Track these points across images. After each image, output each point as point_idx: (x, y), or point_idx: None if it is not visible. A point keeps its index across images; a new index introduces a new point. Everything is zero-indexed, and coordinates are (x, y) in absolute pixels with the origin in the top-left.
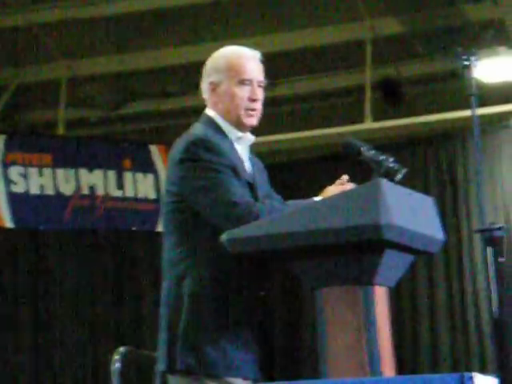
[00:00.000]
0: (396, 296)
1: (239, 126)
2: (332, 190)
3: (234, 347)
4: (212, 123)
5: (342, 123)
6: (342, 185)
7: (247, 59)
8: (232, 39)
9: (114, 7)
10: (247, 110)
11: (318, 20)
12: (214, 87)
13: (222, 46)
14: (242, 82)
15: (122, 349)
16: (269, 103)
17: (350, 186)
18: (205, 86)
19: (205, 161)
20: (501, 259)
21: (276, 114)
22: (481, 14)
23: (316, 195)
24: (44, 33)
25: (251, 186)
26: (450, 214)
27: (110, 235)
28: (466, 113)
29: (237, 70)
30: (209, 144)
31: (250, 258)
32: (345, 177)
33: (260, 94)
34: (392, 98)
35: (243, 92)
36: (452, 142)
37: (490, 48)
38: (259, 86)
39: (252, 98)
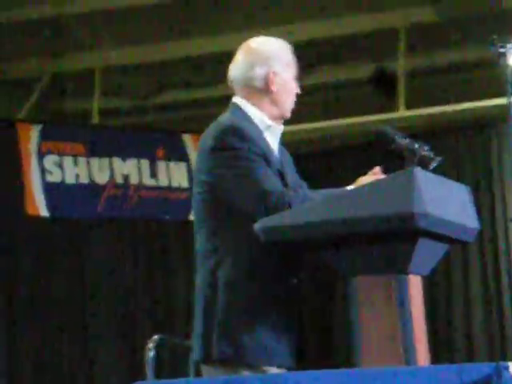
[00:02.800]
0: (430, 285)
1: (280, 117)
2: (365, 180)
3: (269, 336)
4: (242, 112)
5: (375, 112)
6: (375, 175)
7: (292, 53)
8: (260, 28)
9: None
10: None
11: (351, 8)
12: (274, 77)
13: (248, 36)
14: (294, 76)
15: (156, 337)
16: (301, 92)
17: (383, 176)
18: (259, 74)
19: (236, 149)
20: None
21: (308, 103)
22: None
23: (349, 185)
24: (77, 23)
25: (281, 175)
26: (484, 203)
27: (143, 224)
28: (502, 101)
29: (292, 64)
30: (240, 132)
31: (284, 247)
32: (377, 168)
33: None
34: (386, 90)
35: (296, 86)
36: (487, 131)
37: None
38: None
39: (297, 93)
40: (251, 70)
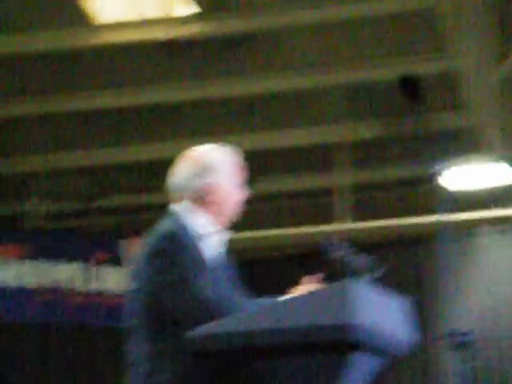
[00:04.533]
0: None
1: (224, 223)
2: (303, 289)
3: None
4: (179, 219)
5: (321, 222)
6: (313, 283)
7: (239, 160)
8: (202, 138)
9: (91, 103)
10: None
11: (300, 121)
12: (213, 189)
13: (192, 143)
14: (240, 185)
15: None
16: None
17: (317, 285)
18: (200, 184)
19: (173, 256)
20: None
21: (254, 212)
22: (454, 122)
23: (288, 292)
24: (22, 125)
25: (217, 284)
26: (423, 317)
27: (74, 329)
28: (436, 218)
29: (236, 172)
30: (177, 239)
31: (216, 357)
32: (307, 277)
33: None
34: (412, 94)
35: (241, 194)
36: (419, 246)
37: (462, 155)
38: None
39: (245, 199)
40: (191, 180)
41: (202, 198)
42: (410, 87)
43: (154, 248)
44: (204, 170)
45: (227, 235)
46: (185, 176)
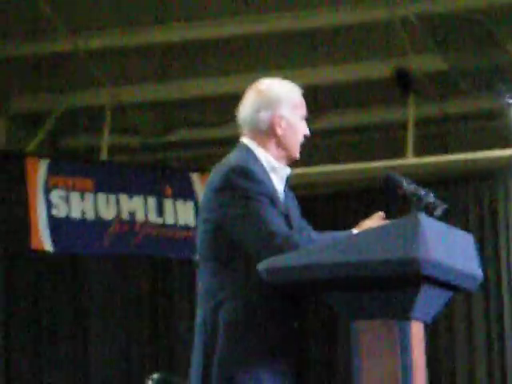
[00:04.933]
0: (433, 333)
1: (287, 159)
2: (369, 224)
3: (268, 377)
4: (250, 152)
5: (384, 157)
6: (379, 219)
7: (300, 95)
8: (270, 71)
9: (158, 36)
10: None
11: (363, 54)
12: (279, 121)
13: (260, 77)
14: (302, 118)
15: (155, 375)
16: (310, 136)
17: (386, 221)
18: (265, 117)
19: (243, 189)
20: None
21: (317, 147)
22: None
23: (352, 228)
24: (90, 59)
25: (287, 217)
26: (490, 252)
27: (148, 261)
28: (509, 151)
29: (299, 105)
30: (247, 172)
31: (287, 288)
32: (381, 213)
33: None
34: (405, 88)
35: (303, 128)
36: (494, 181)
37: None
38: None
39: (306, 134)
40: (257, 113)
41: (266, 131)
42: (403, 80)
43: (224, 181)
44: (268, 102)
45: (290, 170)
46: (250, 109)
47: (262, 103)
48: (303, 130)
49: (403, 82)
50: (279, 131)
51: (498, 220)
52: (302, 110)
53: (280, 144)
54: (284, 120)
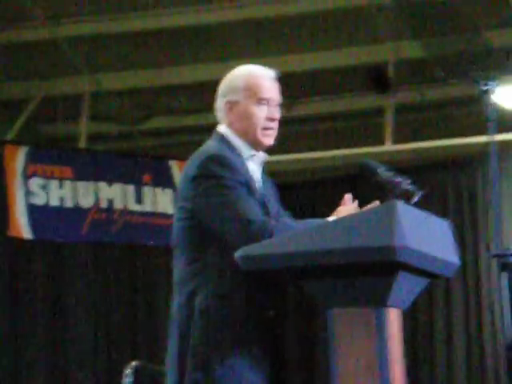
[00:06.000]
0: (412, 320)
1: (255, 145)
2: (344, 211)
3: (243, 365)
4: (225, 140)
5: (362, 145)
6: (346, 203)
7: (264, 79)
8: (248, 58)
9: (136, 24)
10: (264, 129)
11: (340, 41)
12: (231, 106)
13: (238, 64)
14: (259, 102)
15: (134, 363)
16: (288, 122)
17: (354, 205)
18: (221, 104)
19: (219, 177)
20: None
21: (295, 134)
22: (504, 39)
23: (331, 215)
24: (69, 46)
25: (263, 204)
26: (468, 238)
27: (126, 249)
28: (486, 138)
29: (254, 89)
30: (223, 160)
31: (263, 276)
32: (347, 196)
33: (277, 114)
34: (379, 84)
35: (261, 111)
36: (472, 167)
37: None
38: (276, 105)
39: (269, 117)
40: (218, 100)
41: (226, 118)
42: (378, 77)
43: (200, 169)
44: (224, 89)
45: (265, 157)
46: (217, 96)
47: (221, 91)
48: (262, 113)
49: (379, 83)
50: (231, 117)
51: (476, 206)
52: (263, 94)
53: (238, 130)
54: (234, 105)
